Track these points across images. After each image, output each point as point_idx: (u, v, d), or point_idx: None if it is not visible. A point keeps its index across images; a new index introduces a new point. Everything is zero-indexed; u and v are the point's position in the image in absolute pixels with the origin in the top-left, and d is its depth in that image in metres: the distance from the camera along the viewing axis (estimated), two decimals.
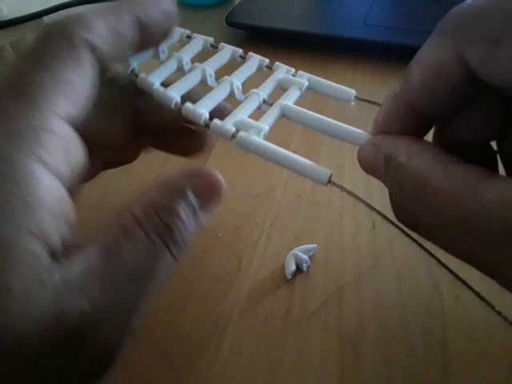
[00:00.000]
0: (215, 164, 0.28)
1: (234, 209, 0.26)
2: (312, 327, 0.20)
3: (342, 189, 0.16)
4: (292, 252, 0.23)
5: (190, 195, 0.15)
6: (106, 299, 0.12)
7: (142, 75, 0.18)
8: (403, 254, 0.23)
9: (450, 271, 0.22)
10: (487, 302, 0.20)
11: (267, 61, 0.20)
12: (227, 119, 0.16)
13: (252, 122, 0.16)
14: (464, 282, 0.21)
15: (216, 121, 0.16)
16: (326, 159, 0.29)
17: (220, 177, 0.16)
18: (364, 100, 0.18)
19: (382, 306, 0.21)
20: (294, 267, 0.22)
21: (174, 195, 0.15)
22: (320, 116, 0.17)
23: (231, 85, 0.18)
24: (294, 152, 0.16)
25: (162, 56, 0.19)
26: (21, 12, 0.46)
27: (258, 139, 0.16)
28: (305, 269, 0.22)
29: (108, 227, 0.14)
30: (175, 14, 0.18)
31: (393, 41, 0.39)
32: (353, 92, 0.18)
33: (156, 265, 0.14)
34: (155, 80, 0.17)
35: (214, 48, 0.20)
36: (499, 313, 0.20)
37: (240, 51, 0.20)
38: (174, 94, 0.17)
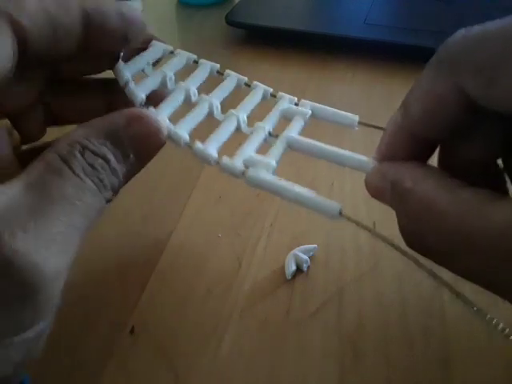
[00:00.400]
0: None
1: (234, 209, 0.26)
2: (312, 327, 0.20)
3: (355, 222, 0.16)
4: (292, 252, 0.23)
5: (123, 138, 0.15)
6: (35, 230, 0.12)
7: (152, 110, 0.18)
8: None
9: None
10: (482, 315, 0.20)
11: (271, 90, 0.20)
12: (236, 156, 0.17)
13: (260, 158, 0.17)
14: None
15: (226, 159, 0.17)
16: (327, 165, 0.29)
17: (160, 125, 0.16)
18: (367, 125, 0.18)
19: (383, 306, 0.21)
20: (294, 267, 0.22)
21: (101, 135, 0.15)
22: (326, 146, 0.17)
23: (237, 119, 0.18)
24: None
25: (170, 84, 0.19)
26: None
27: (268, 176, 0.16)
28: (305, 269, 0.22)
29: (33, 165, 0.14)
30: (138, 22, 0.17)
31: (393, 40, 0.39)
32: (356, 118, 0.18)
33: (84, 200, 0.14)
34: (164, 114, 0.17)
35: (220, 75, 0.20)
36: (495, 324, 0.19)
37: (245, 80, 0.20)
38: (183, 132, 0.17)
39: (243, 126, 0.18)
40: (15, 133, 0.19)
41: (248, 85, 0.20)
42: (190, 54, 0.20)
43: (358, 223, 0.17)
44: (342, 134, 0.31)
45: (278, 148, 0.17)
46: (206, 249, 0.24)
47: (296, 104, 0.19)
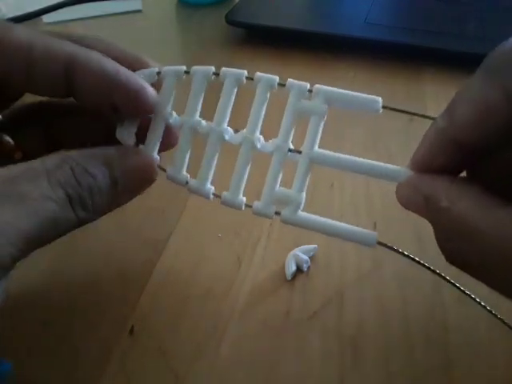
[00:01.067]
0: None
1: (233, 209, 0.26)
2: (312, 328, 0.20)
3: (392, 249, 0.17)
4: (292, 252, 0.23)
5: (116, 166, 0.16)
6: None
7: (170, 169, 0.18)
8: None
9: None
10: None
11: (277, 79, 0.18)
12: (264, 196, 0.17)
13: (288, 193, 0.17)
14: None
15: (256, 204, 0.17)
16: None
17: (153, 162, 0.17)
18: (392, 109, 0.17)
19: (383, 307, 0.21)
20: (294, 268, 0.22)
21: (95, 159, 0.16)
22: (353, 158, 0.16)
23: (252, 143, 0.17)
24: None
25: (172, 120, 0.18)
26: (19, 11, 0.45)
27: (302, 215, 0.17)
28: (305, 269, 0.22)
29: (17, 165, 0.14)
30: (131, 88, 0.17)
31: (394, 39, 0.39)
32: (379, 100, 0.17)
33: (42, 207, 0.14)
34: (181, 169, 0.18)
35: (216, 75, 0.19)
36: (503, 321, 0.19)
37: (244, 74, 0.19)
38: (208, 184, 0.18)
39: (260, 146, 0.18)
40: (6, 139, 0.19)
41: (250, 78, 0.19)
42: (177, 67, 0.19)
43: (396, 251, 0.17)
44: (341, 133, 0.31)
45: (302, 171, 0.17)
46: (206, 249, 0.24)
47: (309, 91, 0.17)
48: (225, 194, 0.18)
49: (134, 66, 0.18)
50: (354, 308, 0.21)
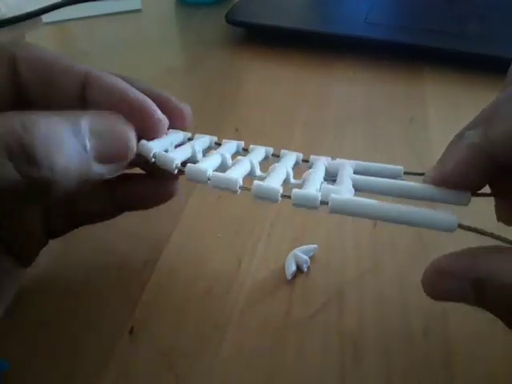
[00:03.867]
0: None
1: (233, 209, 0.26)
2: (313, 327, 0.20)
3: (471, 229, 0.14)
4: (292, 252, 0.23)
5: (83, 127, 0.14)
6: None
7: (189, 167, 0.16)
8: (404, 254, 0.23)
9: None
10: None
11: (301, 156, 0.19)
12: (307, 186, 0.15)
13: (336, 187, 0.15)
14: None
15: (296, 190, 0.15)
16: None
17: (131, 140, 0.16)
18: (412, 174, 0.17)
19: (383, 306, 0.21)
20: (294, 267, 0.22)
21: (58, 115, 0.14)
22: (391, 181, 0.16)
23: (286, 170, 0.17)
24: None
25: (199, 156, 0.18)
26: (19, 10, 0.45)
27: (355, 198, 0.14)
28: (305, 269, 0.22)
29: None
30: (146, 112, 0.17)
31: (394, 39, 0.39)
32: (400, 168, 0.17)
33: None
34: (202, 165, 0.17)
35: (245, 151, 0.19)
36: None
37: (271, 151, 0.20)
38: (237, 175, 0.16)
39: (292, 179, 0.17)
40: None
41: (276, 155, 0.19)
42: (211, 136, 0.19)
43: (478, 231, 0.14)
44: (341, 133, 0.31)
45: (346, 179, 0.16)
46: (205, 249, 0.24)
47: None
48: (256, 182, 0.15)
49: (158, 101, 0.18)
50: (354, 307, 0.21)
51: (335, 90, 0.36)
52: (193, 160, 0.18)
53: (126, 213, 0.21)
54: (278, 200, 0.15)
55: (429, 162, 0.27)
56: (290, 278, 0.22)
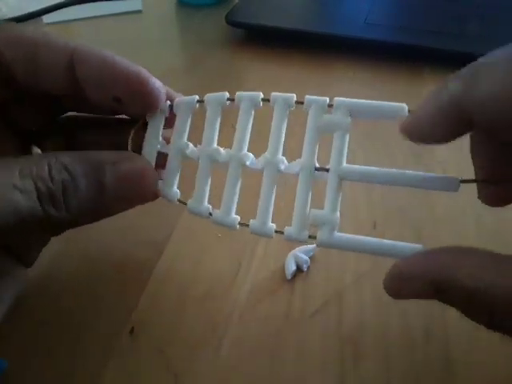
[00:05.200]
0: None
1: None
2: (312, 328, 0.20)
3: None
4: (292, 252, 0.23)
5: (106, 171, 0.15)
6: None
7: (190, 202, 0.18)
8: None
9: None
10: None
11: (294, 97, 0.18)
12: (295, 220, 0.16)
13: (322, 215, 0.16)
14: None
15: (288, 230, 0.16)
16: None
17: (148, 172, 0.16)
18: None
19: (383, 306, 0.21)
20: (294, 267, 0.22)
21: (81, 160, 0.15)
22: (384, 170, 0.16)
23: (277, 167, 0.17)
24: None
25: (189, 151, 0.18)
26: (20, 11, 0.45)
27: (340, 236, 0.16)
28: (305, 269, 0.22)
29: None
30: (136, 82, 0.16)
31: (394, 40, 0.39)
32: (404, 106, 0.16)
33: (11, 199, 0.13)
34: (202, 201, 0.18)
35: (231, 101, 0.18)
36: None
37: (260, 96, 0.18)
38: (233, 214, 0.17)
39: (284, 168, 0.17)
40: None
41: (267, 100, 0.18)
42: (189, 97, 0.18)
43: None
44: None
45: (332, 189, 0.16)
46: (205, 249, 0.24)
47: (330, 105, 0.17)
48: (252, 222, 0.17)
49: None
50: (354, 307, 0.21)
51: (335, 90, 0.36)
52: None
53: (126, 213, 0.21)
54: (272, 237, 0.17)
55: (428, 161, 0.27)
56: (289, 278, 0.22)
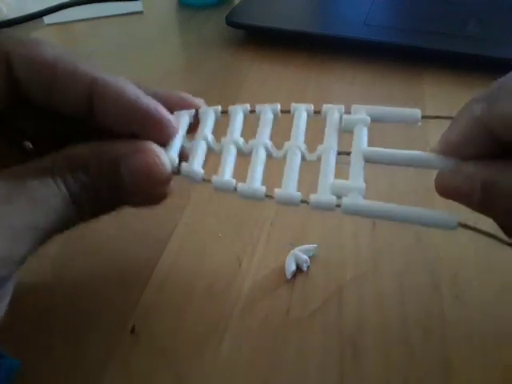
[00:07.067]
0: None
1: (233, 209, 0.26)
2: (312, 327, 0.20)
3: (476, 230, 0.15)
4: (292, 252, 0.23)
5: (122, 166, 0.16)
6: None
7: (215, 178, 0.17)
8: (403, 254, 0.23)
9: None
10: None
11: (312, 106, 0.19)
12: (320, 188, 0.16)
13: (346, 183, 0.16)
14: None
15: (313, 196, 0.16)
16: None
17: (163, 161, 0.16)
18: (433, 117, 0.17)
19: (382, 305, 0.21)
20: (294, 267, 0.22)
21: (100, 158, 0.16)
22: (402, 151, 0.16)
23: (300, 151, 0.17)
24: None
25: (215, 146, 0.18)
26: (21, 12, 0.46)
27: (366, 202, 0.15)
28: (305, 268, 0.22)
29: (25, 165, 0.15)
30: (154, 117, 0.17)
31: (393, 41, 0.39)
32: (418, 112, 0.17)
33: (53, 204, 0.14)
34: (227, 177, 0.17)
35: (252, 112, 0.19)
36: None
37: (278, 107, 0.19)
38: (259, 184, 0.17)
39: (306, 153, 0.17)
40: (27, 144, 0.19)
41: (287, 111, 0.19)
42: (215, 107, 0.19)
43: (477, 230, 0.15)
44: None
45: (356, 166, 0.16)
46: (206, 249, 0.24)
47: (347, 113, 0.18)
48: (278, 190, 0.16)
49: (180, 105, 0.18)
50: (354, 306, 0.21)
51: (335, 90, 0.36)
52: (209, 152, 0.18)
53: (127, 212, 0.21)
54: (298, 205, 0.16)
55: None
56: (289, 277, 0.22)
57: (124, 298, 0.21)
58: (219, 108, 0.19)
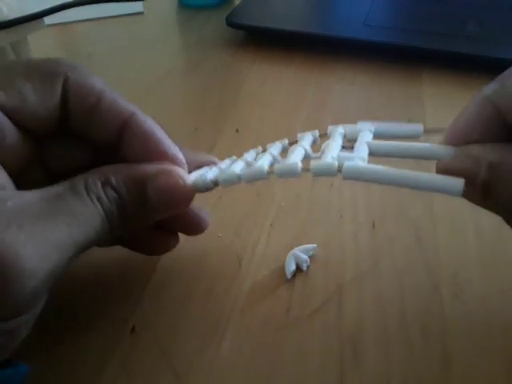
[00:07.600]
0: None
1: (234, 209, 0.26)
2: (312, 327, 0.20)
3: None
4: (292, 252, 0.23)
5: (148, 187, 0.17)
6: (30, 229, 0.13)
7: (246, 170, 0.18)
8: (403, 254, 0.23)
9: None
10: None
11: (317, 132, 0.19)
12: (323, 157, 0.16)
13: (350, 154, 0.16)
14: None
15: (314, 162, 0.16)
16: None
17: (186, 180, 0.18)
18: (434, 130, 0.17)
19: (382, 305, 0.21)
20: (293, 267, 0.22)
21: (127, 177, 0.17)
22: (405, 143, 0.16)
23: (304, 148, 0.18)
24: None
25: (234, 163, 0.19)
26: (21, 12, 0.46)
27: (368, 165, 0.15)
28: (305, 268, 0.22)
29: (59, 184, 0.16)
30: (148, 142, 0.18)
31: (393, 41, 0.39)
32: (420, 127, 0.17)
33: (89, 220, 0.15)
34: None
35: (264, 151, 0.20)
36: None
37: (286, 142, 0.20)
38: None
39: (312, 153, 0.18)
40: None
41: (292, 143, 0.20)
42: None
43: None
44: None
45: (362, 146, 0.16)
46: (206, 249, 0.24)
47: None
48: (277, 164, 0.17)
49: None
50: (354, 306, 0.21)
51: (335, 91, 0.36)
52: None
53: None
54: (298, 174, 0.16)
55: (427, 162, 0.27)
56: (289, 277, 0.22)
57: (124, 299, 0.21)
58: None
